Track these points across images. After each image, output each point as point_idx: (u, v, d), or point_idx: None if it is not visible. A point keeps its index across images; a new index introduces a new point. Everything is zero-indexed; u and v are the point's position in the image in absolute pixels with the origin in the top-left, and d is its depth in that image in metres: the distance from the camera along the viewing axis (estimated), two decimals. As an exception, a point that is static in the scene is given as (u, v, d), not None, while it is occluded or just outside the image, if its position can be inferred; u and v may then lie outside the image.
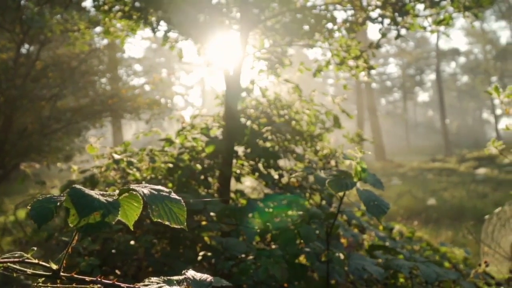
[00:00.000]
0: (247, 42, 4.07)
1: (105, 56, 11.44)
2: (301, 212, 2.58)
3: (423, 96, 74.38)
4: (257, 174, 3.97)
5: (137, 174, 3.39)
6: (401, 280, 2.69)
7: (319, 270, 2.22)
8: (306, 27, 4.25)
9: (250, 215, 3.15)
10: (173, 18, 3.96)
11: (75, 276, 0.90)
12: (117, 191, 0.90)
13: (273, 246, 2.88)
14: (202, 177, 3.58)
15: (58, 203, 0.83)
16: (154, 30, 4.09)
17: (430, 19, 3.73)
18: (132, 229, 1.02)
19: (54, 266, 0.88)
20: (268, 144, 4.14)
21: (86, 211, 0.78)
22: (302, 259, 2.66)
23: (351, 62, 4.17)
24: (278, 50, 4.54)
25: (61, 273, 0.88)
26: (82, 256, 2.65)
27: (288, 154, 4.33)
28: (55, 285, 0.89)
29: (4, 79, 8.22)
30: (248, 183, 5.52)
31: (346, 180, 1.72)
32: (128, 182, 3.32)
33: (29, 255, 0.88)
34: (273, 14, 4.22)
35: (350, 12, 4.08)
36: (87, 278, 0.89)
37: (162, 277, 1.03)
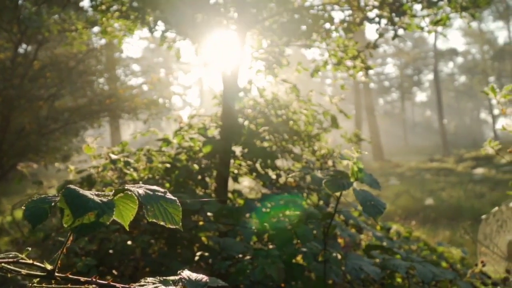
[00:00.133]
0: (244, 42, 4.07)
1: (103, 56, 11.43)
2: (298, 212, 2.58)
3: (421, 96, 74.57)
4: (254, 174, 3.97)
5: (134, 174, 3.38)
6: (399, 280, 2.70)
7: (316, 270, 2.22)
8: (304, 27, 4.25)
9: (248, 215, 3.15)
10: (170, 18, 3.96)
11: (70, 276, 0.89)
12: (112, 192, 0.89)
13: (271, 246, 2.88)
14: (199, 177, 3.58)
15: (53, 203, 0.83)
16: (151, 30, 4.09)
17: (427, 19, 3.73)
18: (128, 229, 1.02)
19: (49, 267, 0.88)
20: (265, 144, 4.14)
21: (81, 212, 0.78)
22: (299, 259, 2.66)
23: (348, 62, 4.17)
24: (275, 50, 4.55)
25: (56, 274, 0.88)
26: (79, 256, 2.64)
27: (286, 154, 4.33)
28: (50, 286, 0.89)
29: (1, 79, 8.21)
30: (246, 183, 5.52)
31: (343, 180, 1.72)
32: (126, 182, 3.31)
33: (23, 256, 0.88)
34: (271, 14, 4.22)
35: (348, 12, 4.08)
36: (82, 279, 0.89)
37: (158, 277, 1.03)
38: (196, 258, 2.71)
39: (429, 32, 3.76)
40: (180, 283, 0.95)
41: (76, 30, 5.09)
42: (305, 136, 4.46)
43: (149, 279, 1.02)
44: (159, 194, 0.94)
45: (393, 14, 3.61)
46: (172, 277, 1.02)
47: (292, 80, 4.61)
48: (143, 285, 0.99)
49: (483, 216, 3.12)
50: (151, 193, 0.93)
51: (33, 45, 9.45)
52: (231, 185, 4.16)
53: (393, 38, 3.68)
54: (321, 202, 3.67)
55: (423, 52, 49.59)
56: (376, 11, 3.76)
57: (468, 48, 54.74)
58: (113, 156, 3.27)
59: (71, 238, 0.87)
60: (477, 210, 9.68)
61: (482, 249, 3.08)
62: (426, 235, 7.55)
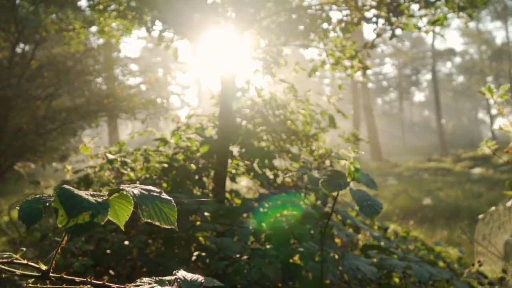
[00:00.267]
0: (242, 42, 4.06)
1: (100, 56, 11.41)
2: (295, 212, 2.58)
3: (419, 96, 74.68)
4: (252, 174, 3.97)
5: (132, 174, 3.38)
6: (396, 280, 2.70)
7: (313, 270, 2.22)
8: (301, 27, 4.25)
9: (245, 215, 3.15)
10: (168, 17, 3.96)
11: (65, 276, 0.89)
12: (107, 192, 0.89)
13: (268, 246, 2.88)
14: (197, 177, 3.58)
15: (48, 204, 0.83)
16: (148, 30, 4.09)
17: (425, 19, 3.74)
18: (124, 229, 1.02)
19: (44, 267, 0.88)
20: (263, 144, 4.14)
21: (75, 212, 0.78)
22: (296, 259, 2.66)
23: (346, 62, 4.17)
24: (273, 50, 4.54)
25: (51, 274, 0.88)
26: (76, 257, 2.64)
27: (284, 154, 4.33)
28: (45, 286, 0.89)
29: (-1, 79, 8.19)
30: (244, 183, 5.52)
31: (340, 180, 1.72)
32: (123, 182, 3.31)
33: (18, 256, 0.88)
34: (269, 13, 4.22)
35: (345, 12, 4.08)
36: (77, 279, 0.89)
37: (154, 278, 1.03)
38: (193, 258, 2.71)
39: (426, 32, 3.76)
40: (176, 283, 0.95)
41: (73, 29, 5.08)
42: (303, 136, 4.46)
43: (145, 279, 1.02)
44: (154, 194, 0.94)
45: (391, 14, 3.61)
46: (168, 277, 1.02)
47: (290, 80, 4.61)
48: (139, 285, 0.98)
49: (480, 216, 3.13)
50: (146, 193, 0.93)
51: (30, 44, 9.44)
52: (229, 185, 4.16)
53: (391, 38, 3.68)
54: (318, 202, 3.67)
55: (421, 52, 49.64)
56: (373, 11, 3.76)
57: (466, 48, 54.83)
58: (110, 156, 3.26)
59: (66, 238, 0.86)
60: (474, 210, 9.69)
61: (479, 248, 3.08)
62: (424, 235, 7.56)
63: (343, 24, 4.03)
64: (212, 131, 4.08)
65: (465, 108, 65.95)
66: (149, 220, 0.90)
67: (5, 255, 0.86)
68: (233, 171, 4.07)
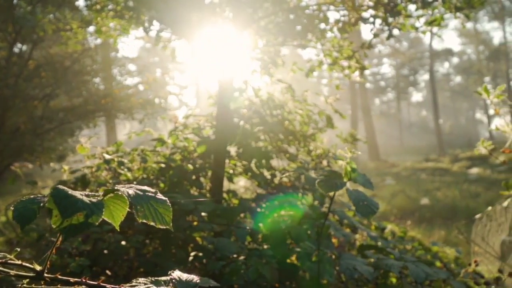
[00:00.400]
0: (240, 42, 4.06)
1: (98, 56, 11.39)
2: (292, 212, 2.58)
3: (416, 96, 74.73)
4: (249, 174, 3.97)
5: (129, 175, 3.37)
6: (393, 280, 2.70)
7: (310, 270, 2.22)
8: (299, 27, 4.25)
9: (242, 215, 3.15)
10: (165, 17, 3.95)
11: (59, 277, 0.89)
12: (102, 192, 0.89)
13: (265, 246, 2.88)
14: (194, 177, 3.57)
15: (42, 204, 0.82)
16: (146, 30, 4.08)
17: (422, 20, 3.74)
18: (119, 230, 1.01)
19: (38, 267, 0.87)
20: (261, 144, 4.14)
21: (69, 212, 0.78)
22: (294, 259, 2.66)
23: (343, 63, 4.17)
24: (271, 50, 4.54)
25: (45, 274, 0.88)
26: (73, 257, 2.63)
27: (281, 154, 4.33)
28: (40, 287, 0.88)
29: (-4, 79, 8.17)
30: (242, 183, 5.52)
31: (336, 180, 1.72)
32: (120, 182, 3.30)
33: (12, 256, 0.87)
34: (266, 14, 4.22)
35: (343, 13, 4.09)
36: (72, 279, 0.89)
37: (150, 278, 1.03)
38: (191, 258, 2.71)
39: (423, 32, 3.77)
40: (171, 284, 0.95)
41: (71, 29, 5.07)
42: (301, 136, 4.46)
43: (141, 280, 1.02)
44: (149, 194, 0.94)
45: (388, 15, 3.62)
46: (163, 278, 1.02)
47: (288, 80, 4.61)
48: (134, 286, 0.98)
49: (477, 216, 3.14)
50: (141, 193, 0.92)
51: (28, 44, 9.41)
52: (227, 185, 4.16)
53: (388, 38, 3.69)
54: (316, 202, 3.67)
55: (419, 52, 49.74)
56: (370, 11, 3.76)
57: (463, 48, 54.95)
58: (107, 156, 3.25)
59: (60, 238, 0.86)
60: (472, 210, 9.72)
61: (475, 248, 3.09)
62: (422, 234, 7.57)
63: (340, 24, 4.03)
64: (210, 131, 4.08)
65: (462, 108, 66.10)
66: (144, 221, 0.90)
67: (-1, 256, 0.86)
68: (231, 171, 4.07)
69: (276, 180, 4.02)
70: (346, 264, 2.20)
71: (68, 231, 0.78)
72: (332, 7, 4.09)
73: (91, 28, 5.43)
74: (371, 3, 3.71)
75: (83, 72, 10.42)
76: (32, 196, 0.85)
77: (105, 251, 2.73)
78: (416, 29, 3.72)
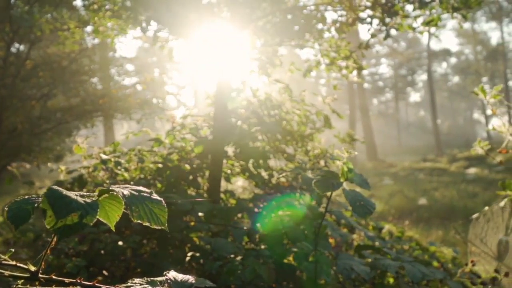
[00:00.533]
0: (238, 42, 4.06)
1: (96, 56, 11.38)
2: (289, 212, 2.58)
3: (414, 96, 74.87)
4: (247, 174, 3.96)
5: (126, 175, 3.37)
6: (391, 280, 2.70)
7: (307, 270, 2.22)
8: (296, 28, 4.25)
9: (240, 215, 3.14)
10: (163, 17, 3.95)
11: (54, 277, 0.89)
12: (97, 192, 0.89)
13: (263, 246, 2.88)
14: (191, 177, 3.57)
15: (36, 204, 0.82)
16: (143, 30, 4.08)
17: (419, 20, 3.75)
18: (115, 230, 1.01)
19: (32, 268, 0.87)
20: (258, 144, 4.14)
21: (64, 213, 0.78)
22: (291, 259, 2.66)
23: (341, 63, 4.18)
24: (268, 50, 4.54)
25: (40, 275, 0.87)
26: (70, 257, 2.63)
27: (279, 154, 4.33)
28: (34, 287, 0.88)
29: (-7, 78, 8.15)
30: (240, 183, 5.51)
31: (333, 180, 1.72)
32: (117, 182, 3.30)
33: (6, 257, 0.87)
34: (264, 14, 4.22)
35: (340, 13, 4.09)
36: (67, 280, 0.89)
37: (146, 278, 1.02)
38: (188, 258, 2.70)
39: (420, 33, 3.77)
40: (166, 284, 0.95)
41: (68, 29, 5.06)
42: (298, 136, 4.46)
43: (137, 280, 1.02)
44: (145, 194, 0.94)
45: (385, 15, 3.62)
46: (159, 278, 1.02)
47: (286, 80, 4.61)
48: (130, 286, 0.98)
49: (474, 216, 3.14)
50: (136, 193, 0.92)
51: (25, 44, 9.40)
52: (225, 185, 4.15)
53: (385, 39, 3.69)
54: (313, 202, 3.67)
55: (416, 52, 49.80)
56: (368, 11, 3.76)
57: (461, 48, 55.08)
58: (104, 156, 3.25)
59: (55, 239, 0.86)
60: (470, 210, 9.72)
61: (472, 248, 3.10)
62: (419, 234, 7.58)
63: (338, 25, 4.04)
64: (207, 132, 4.08)
65: (460, 108, 66.22)
66: (139, 221, 0.90)
67: (-7, 256, 0.85)
68: (228, 171, 4.07)
69: (274, 180, 4.01)
70: (343, 264, 2.20)
71: (62, 231, 0.78)
72: (329, 7, 4.09)
73: (89, 28, 5.43)
74: (368, 3, 3.71)
75: (80, 72, 10.41)
76: (26, 197, 0.85)
77: (102, 252, 2.73)
78: (414, 29, 3.73)
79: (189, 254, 2.74)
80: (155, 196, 0.95)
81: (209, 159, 3.74)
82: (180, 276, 0.98)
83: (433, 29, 3.93)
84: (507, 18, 40.19)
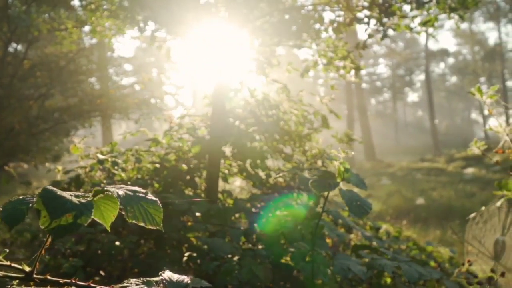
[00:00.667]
0: (235, 42, 4.06)
1: (94, 56, 11.36)
2: (286, 212, 2.59)
3: (412, 97, 74.91)
4: (244, 174, 3.97)
5: (123, 175, 3.36)
6: (388, 280, 2.71)
7: (304, 270, 2.22)
8: (294, 28, 4.25)
9: (237, 215, 3.14)
10: (160, 17, 3.94)
11: (49, 278, 0.88)
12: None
13: (260, 247, 2.88)
14: (188, 177, 3.57)
15: (31, 205, 0.82)
16: (141, 30, 4.07)
17: (416, 20, 3.76)
18: (110, 230, 1.01)
19: (27, 268, 0.87)
20: (256, 144, 4.14)
21: (58, 213, 0.77)
22: (289, 259, 2.66)
23: (338, 63, 4.18)
24: (266, 50, 4.54)
25: (35, 275, 0.87)
26: (67, 258, 2.62)
27: (277, 154, 4.33)
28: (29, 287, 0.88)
29: (-10, 78, 8.13)
30: (238, 183, 5.51)
31: (329, 180, 1.72)
32: (114, 182, 3.29)
33: (0, 257, 0.87)
34: (262, 14, 4.22)
35: (338, 13, 4.09)
36: (61, 280, 0.88)
37: (141, 279, 1.02)
38: (185, 258, 2.70)
39: (418, 33, 3.78)
40: (162, 284, 0.95)
41: (66, 29, 5.05)
42: (296, 136, 4.47)
43: (132, 280, 1.02)
44: (140, 195, 0.93)
45: (382, 15, 3.63)
46: (155, 278, 1.02)
47: (284, 80, 4.62)
48: (126, 286, 0.98)
49: (471, 216, 3.15)
50: (131, 193, 0.92)
51: (23, 44, 9.39)
52: (222, 185, 4.15)
53: (382, 39, 3.70)
54: (311, 202, 3.67)
55: (414, 52, 49.88)
56: (365, 11, 3.77)
57: (459, 48, 55.14)
58: (101, 157, 3.25)
59: (50, 239, 0.86)
60: (467, 210, 9.73)
61: (469, 248, 3.10)
62: (417, 234, 7.59)
63: (335, 25, 4.04)
64: (205, 131, 4.08)
65: (458, 109, 66.34)
66: (134, 221, 0.90)
67: (-13, 257, 0.85)
68: (226, 171, 4.07)
69: (271, 180, 4.02)
70: (340, 264, 2.20)
71: (56, 232, 0.78)
72: (327, 8, 4.09)
73: (87, 28, 5.42)
74: (365, 4, 3.72)
75: (78, 71, 10.39)
76: (21, 197, 0.85)
77: (99, 252, 2.72)
78: (411, 29, 3.73)
79: (186, 254, 2.74)
80: (150, 196, 0.95)
81: (207, 159, 3.74)
82: (175, 276, 0.98)
83: (430, 30, 3.94)
84: (504, 18, 40.28)
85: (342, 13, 4.06)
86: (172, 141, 3.86)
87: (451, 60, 55.28)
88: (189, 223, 2.88)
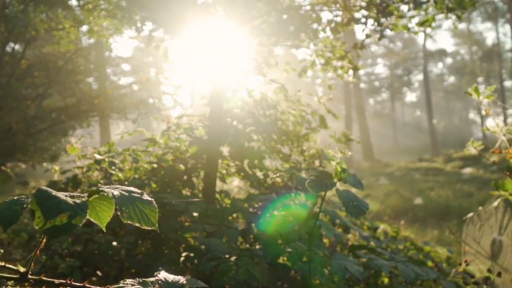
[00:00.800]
0: (233, 42, 4.06)
1: (92, 55, 11.35)
2: (283, 213, 2.59)
3: (410, 97, 75.04)
4: (242, 174, 3.96)
5: (120, 175, 3.36)
6: (386, 280, 2.71)
7: (301, 270, 2.22)
8: (292, 28, 4.25)
9: (235, 215, 3.14)
10: (157, 17, 3.94)
11: (44, 278, 0.88)
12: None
13: (257, 247, 2.88)
14: (185, 177, 3.56)
15: (25, 205, 0.82)
16: (138, 30, 4.07)
17: (413, 20, 3.76)
18: (105, 230, 1.01)
19: (22, 269, 0.87)
20: (253, 144, 4.14)
21: (52, 213, 0.77)
22: (286, 259, 2.66)
23: (336, 63, 4.18)
24: (264, 50, 4.54)
25: (30, 276, 0.87)
26: (64, 258, 2.62)
27: (275, 154, 4.33)
28: (24, 288, 0.88)
29: (-12, 78, 8.12)
30: (236, 183, 5.51)
31: (326, 180, 1.72)
32: (111, 182, 3.29)
33: (-5, 258, 0.87)
34: (260, 14, 4.21)
35: (335, 13, 4.09)
36: (56, 281, 0.88)
37: (137, 279, 1.02)
38: (182, 259, 2.70)
39: (415, 33, 3.78)
40: (157, 285, 0.95)
41: (63, 29, 5.04)
42: (294, 136, 4.47)
43: (128, 281, 1.02)
44: (135, 195, 0.93)
45: (380, 15, 3.63)
46: (151, 279, 1.02)
47: (282, 80, 4.62)
48: (122, 287, 0.98)
49: (468, 215, 3.16)
50: (127, 194, 0.92)
51: (20, 43, 9.36)
52: (221, 185, 4.15)
53: (379, 39, 3.70)
54: (308, 202, 3.67)
55: (412, 52, 49.97)
56: (363, 11, 3.77)
57: (457, 49, 55.26)
58: (98, 157, 3.24)
59: (44, 240, 0.86)
60: (465, 210, 9.75)
61: (466, 248, 3.11)
62: (415, 234, 7.60)
63: (333, 25, 4.04)
64: (203, 132, 4.07)
65: (456, 108, 66.47)
66: (129, 222, 0.90)
67: (-18, 257, 0.85)
68: (224, 171, 4.07)
69: (269, 180, 4.02)
70: (337, 264, 2.20)
71: (51, 232, 0.78)
72: (325, 8, 4.10)
73: (84, 28, 5.41)
74: (363, 3, 3.72)
75: (76, 71, 10.37)
76: (16, 197, 0.85)
77: (96, 252, 2.72)
78: (408, 29, 3.74)
79: (184, 254, 2.74)
80: (145, 196, 0.95)
81: (204, 159, 3.73)
82: (171, 277, 0.98)
83: (428, 30, 3.94)
84: (502, 18, 40.35)
85: (339, 13, 4.07)
86: (169, 141, 3.85)
87: (449, 60, 55.44)
88: (187, 223, 2.88)
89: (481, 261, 3.14)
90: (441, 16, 3.74)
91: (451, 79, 58.41)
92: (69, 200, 0.82)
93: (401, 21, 3.71)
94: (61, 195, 0.83)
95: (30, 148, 9.86)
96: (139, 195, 0.94)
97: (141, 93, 13.14)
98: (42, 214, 0.77)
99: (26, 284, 0.87)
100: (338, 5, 3.89)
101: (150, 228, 0.95)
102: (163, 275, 0.98)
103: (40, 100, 9.67)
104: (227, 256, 2.51)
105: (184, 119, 4.34)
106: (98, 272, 2.77)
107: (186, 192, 3.55)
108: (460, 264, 2.56)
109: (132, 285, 1.00)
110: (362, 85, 41.95)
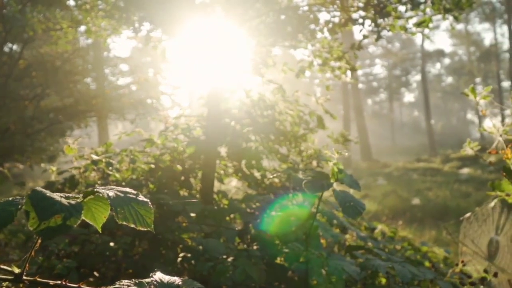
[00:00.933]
0: (231, 42, 4.06)
1: (90, 56, 11.34)
2: (280, 213, 2.59)
3: (408, 97, 75.12)
4: (240, 174, 3.96)
5: (117, 175, 3.35)
6: (383, 280, 2.71)
7: (298, 270, 2.22)
8: (290, 28, 4.26)
9: (232, 215, 3.14)
10: (155, 17, 3.94)
11: (38, 279, 0.88)
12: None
13: (255, 247, 2.87)
14: (183, 178, 3.56)
15: (20, 206, 0.82)
16: (136, 30, 4.06)
17: (411, 21, 3.76)
18: (101, 231, 1.01)
19: (16, 270, 0.87)
20: (251, 145, 4.13)
21: (47, 214, 0.77)
22: (283, 260, 2.66)
23: (333, 63, 4.18)
24: (262, 51, 4.54)
25: (25, 277, 0.87)
26: (61, 259, 2.61)
27: (272, 155, 4.33)
28: (19, 289, 0.88)
29: (-15, 78, 8.10)
30: (234, 184, 5.51)
31: (323, 181, 1.73)
32: (109, 183, 3.28)
33: (-11, 259, 0.87)
34: (257, 14, 4.22)
35: (333, 14, 4.10)
36: (51, 282, 0.88)
37: (133, 280, 1.02)
38: (179, 259, 2.70)
39: (413, 33, 3.79)
40: (153, 286, 0.94)
41: (61, 29, 5.03)
42: (291, 137, 4.47)
43: (124, 282, 1.02)
44: (131, 196, 0.93)
45: (377, 16, 3.63)
46: (147, 280, 1.01)
47: (280, 81, 4.62)
48: (117, 288, 0.98)
49: (465, 216, 3.16)
50: (122, 195, 0.92)
51: (18, 44, 9.35)
52: (218, 185, 4.15)
53: (376, 40, 3.70)
54: (305, 203, 3.67)
55: (410, 53, 50.06)
56: (360, 12, 3.77)
57: (455, 49, 55.34)
58: (95, 157, 3.24)
59: (39, 241, 0.86)
60: (463, 210, 9.76)
61: (463, 249, 3.12)
62: (413, 234, 7.61)
63: (330, 25, 4.04)
64: (200, 132, 4.07)
65: (454, 109, 66.58)
66: (124, 223, 0.90)
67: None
68: (221, 171, 4.07)
69: (267, 181, 4.01)
70: (334, 264, 2.20)
71: (45, 233, 0.78)
72: (322, 8, 4.10)
73: (82, 28, 5.40)
74: (360, 4, 3.72)
75: (74, 72, 10.36)
76: (11, 198, 0.85)
77: (93, 253, 2.71)
78: (406, 30, 3.74)
79: (181, 255, 2.73)
80: (141, 197, 0.95)
81: (202, 159, 3.73)
82: (166, 278, 0.98)
83: (425, 30, 3.95)
84: (500, 19, 40.42)
85: (337, 13, 4.07)
86: (167, 142, 3.85)
87: (447, 60, 55.50)
88: (184, 224, 2.88)
89: (478, 262, 3.15)
90: (438, 16, 3.74)
91: (449, 79, 58.50)
92: (64, 201, 0.82)
93: (398, 21, 3.72)
94: (56, 196, 0.83)
95: (28, 148, 9.83)
96: (134, 196, 0.94)
97: (139, 93, 13.13)
98: (37, 215, 0.77)
99: (21, 285, 0.87)
100: (335, 6, 3.89)
101: (146, 229, 0.95)
102: (158, 276, 0.98)
103: (38, 100, 9.66)
104: (224, 256, 2.51)
105: (182, 119, 4.34)
106: (95, 273, 2.77)
107: (183, 192, 3.55)
108: (457, 265, 2.56)
109: (128, 286, 1.00)
110: (360, 85, 41.96)
